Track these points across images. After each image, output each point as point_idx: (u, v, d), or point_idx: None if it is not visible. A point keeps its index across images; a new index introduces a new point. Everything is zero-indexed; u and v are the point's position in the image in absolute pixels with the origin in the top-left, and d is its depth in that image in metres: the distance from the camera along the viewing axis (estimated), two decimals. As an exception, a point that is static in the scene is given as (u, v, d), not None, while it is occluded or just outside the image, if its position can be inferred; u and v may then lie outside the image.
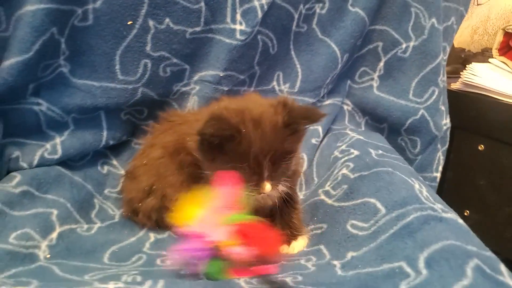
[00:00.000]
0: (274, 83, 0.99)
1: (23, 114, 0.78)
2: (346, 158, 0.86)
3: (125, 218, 0.80)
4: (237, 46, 0.85)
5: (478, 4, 1.60)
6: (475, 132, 1.16)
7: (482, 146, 1.14)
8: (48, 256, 0.64)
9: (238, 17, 0.85)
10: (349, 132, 1.00)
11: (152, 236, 0.75)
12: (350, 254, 0.62)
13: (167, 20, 0.80)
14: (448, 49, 1.09)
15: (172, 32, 0.82)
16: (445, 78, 1.07)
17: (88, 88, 0.80)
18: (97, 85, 0.81)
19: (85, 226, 0.75)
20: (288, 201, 0.72)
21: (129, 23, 0.78)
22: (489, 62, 1.15)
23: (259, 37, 0.88)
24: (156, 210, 0.75)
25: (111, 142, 0.88)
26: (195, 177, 0.70)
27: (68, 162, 0.84)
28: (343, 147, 0.93)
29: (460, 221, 0.63)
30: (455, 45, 1.52)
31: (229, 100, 0.70)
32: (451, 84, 1.20)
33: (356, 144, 0.92)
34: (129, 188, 0.79)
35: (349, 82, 1.09)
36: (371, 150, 0.86)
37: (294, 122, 0.63)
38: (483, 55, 1.44)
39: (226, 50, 0.86)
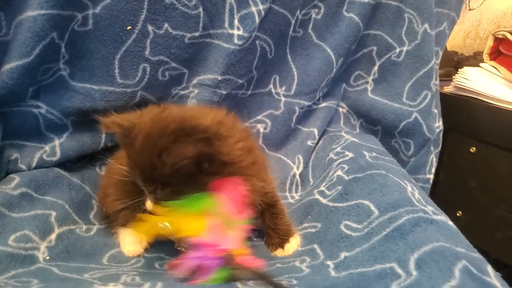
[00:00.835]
0: (271, 86, 1.00)
1: (23, 116, 0.78)
2: (341, 160, 0.88)
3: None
4: (235, 50, 0.86)
5: (470, 9, 1.62)
6: (467, 135, 1.17)
7: (474, 148, 1.15)
8: (48, 258, 0.65)
9: (236, 22, 0.85)
10: (344, 134, 1.02)
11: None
12: (343, 254, 0.64)
13: (166, 25, 0.81)
14: (440, 53, 1.10)
15: (171, 37, 0.82)
16: (437, 82, 1.09)
17: (87, 91, 0.81)
18: (96, 89, 0.81)
19: (84, 227, 0.75)
20: (269, 210, 0.71)
21: (128, 28, 0.78)
22: (480, 67, 1.16)
23: (257, 42, 0.89)
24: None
25: (109, 144, 0.88)
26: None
27: (67, 164, 0.85)
28: (338, 149, 0.94)
29: (450, 223, 0.65)
30: (448, 49, 1.53)
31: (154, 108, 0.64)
32: (444, 87, 1.21)
33: (350, 146, 0.93)
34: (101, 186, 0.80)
35: (344, 85, 1.10)
36: (365, 153, 0.88)
37: (169, 162, 0.53)
38: (475, 59, 1.45)
39: (224, 54, 0.87)
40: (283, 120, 1.02)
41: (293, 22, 0.94)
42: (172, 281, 0.56)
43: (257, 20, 0.86)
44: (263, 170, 0.70)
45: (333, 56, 0.99)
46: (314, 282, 0.59)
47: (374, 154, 0.89)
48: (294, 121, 1.03)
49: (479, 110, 1.13)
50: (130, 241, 0.72)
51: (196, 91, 0.90)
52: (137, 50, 0.81)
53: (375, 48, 1.05)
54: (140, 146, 0.55)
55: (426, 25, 1.01)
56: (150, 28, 0.80)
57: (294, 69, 1.01)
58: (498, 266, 0.56)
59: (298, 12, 0.93)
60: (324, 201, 0.79)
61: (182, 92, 0.91)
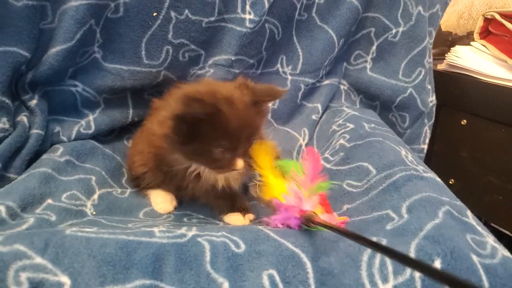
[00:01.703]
0: (278, 65, 1.08)
1: (63, 94, 0.88)
2: (342, 130, 0.96)
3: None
4: (246, 33, 0.94)
5: (463, -9, 1.67)
6: (459, 109, 1.20)
7: (465, 121, 1.19)
8: (94, 213, 0.75)
9: (248, 7, 0.93)
10: (345, 109, 1.09)
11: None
12: (345, 206, 0.73)
13: (186, 11, 0.89)
14: (433, 34, 1.16)
15: (191, 22, 0.90)
16: (431, 60, 1.14)
17: (117, 71, 0.90)
18: (125, 69, 0.90)
19: (119, 190, 0.85)
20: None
21: (154, 14, 0.87)
22: (471, 45, 1.21)
23: (266, 25, 0.96)
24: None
25: (136, 119, 0.98)
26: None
27: (99, 136, 0.94)
28: (340, 121, 1.02)
29: (438, 179, 0.73)
30: (443, 29, 1.58)
31: (189, 86, 0.72)
32: (438, 65, 1.25)
33: (351, 119, 1.00)
34: (129, 155, 0.88)
35: (345, 64, 1.16)
36: (365, 124, 0.96)
37: (260, 100, 0.68)
38: (468, 38, 1.45)
39: (237, 37, 0.94)
40: (289, 97, 1.09)
41: (298, 6, 1.01)
42: (204, 226, 0.65)
43: (267, 5, 0.93)
44: None
45: (335, 37, 1.06)
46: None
47: (373, 125, 0.97)
48: (299, 97, 1.11)
49: (469, 85, 1.17)
50: (161, 200, 0.82)
51: (211, 70, 0.98)
52: (161, 34, 0.90)
53: (373, 29, 1.11)
54: (242, 113, 0.65)
55: (420, 8, 1.07)
56: (173, 14, 0.89)
57: (299, 50, 1.08)
58: (488, 229, 0.62)
59: None
60: (328, 166, 0.87)
61: (199, 72, 0.99)
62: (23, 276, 0.44)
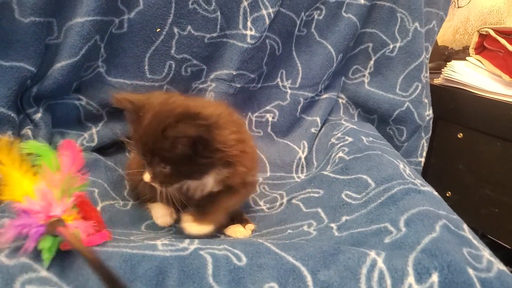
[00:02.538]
0: (278, 79, 1.09)
1: (67, 108, 0.89)
2: (341, 144, 0.97)
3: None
4: (248, 49, 0.96)
5: (458, 7, 1.70)
6: (455, 122, 1.22)
7: (461, 134, 1.20)
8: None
9: (249, 24, 0.95)
10: (344, 122, 1.09)
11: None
12: (344, 218, 0.74)
13: (189, 27, 0.91)
14: (430, 49, 1.18)
15: (193, 37, 0.92)
16: (427, 74, 1.16)
17: (120, 85, 0.91)
18: (128, 83, 0.91)
19: (121, 202, 0.85)
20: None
21: (157, 30, 0.89)
22: (466, 60, 1.23)
23: (267, 41, 0.98)
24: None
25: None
26: None
27: (101, 149, 0.95)
28: (339, 135, 1.02)
29: (435, 193, 0.74)
30: (439, 44, 1.61)
31: (168, 95, 0.71)
32: (434, 79, 1.27)
33: (350, 132, 1.01)
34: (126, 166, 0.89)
35: (343, 78, 1.18)
36: (363, 137, 0.97)
37: (171, 136, 0.59)
38: (464, 52, 1.52)
39: (239, 52, 0.96)
40: (289, 110, 1.10)
41: (298, 22, 1.03)
42: (206, 239, 0.66)
43: (267, 21, 0.95)
44: (250, 160, 0.73)
45: (333, 52, 1.08)
46: (321, 242, 0.69)
47: (371, 138, 0.98)
48: (299, 110, 1.12)
49: (465, 99, 1.19)
50: (161, 214, 0.82)
51: (213, 84, 1.00)
52: (164, 49, 0.91)
53: (371, 44, 1.13)
54: (147, 123, 0.61)
55: (417, 24, 1.09)
56: (176, 30, 0.91)
57: (299, 64, 1.09)
58: (483, 241, 0.63)
59: (302, 14, 1.02)
60: (325, 173, 0.88)
61: (201, 86, 1.01)
62: (29, 289, 0.45)
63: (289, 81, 1.10)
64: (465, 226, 0.66)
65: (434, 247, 0.57)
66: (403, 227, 0.64)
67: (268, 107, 1.10)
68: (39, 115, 0.84)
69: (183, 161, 0.62)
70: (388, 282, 0.53)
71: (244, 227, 0.77)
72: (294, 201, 0.87)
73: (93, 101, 0.91)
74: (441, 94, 1.24)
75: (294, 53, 1.09)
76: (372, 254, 0.57)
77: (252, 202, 0.89)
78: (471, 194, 1.20)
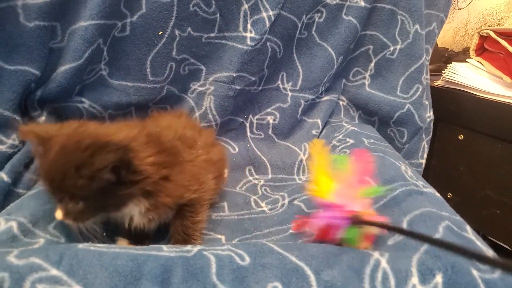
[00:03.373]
0: (279, 82, 1.09)
1: (70, 110, 0.89)
2: (343, 145, 0.97)
3: None
4: (248, 51, 0.96)
5: (458, 9, 1.71)
6: (456, 124, 1.23)
7: (462, 136, 1.21)
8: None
9: (249, 26, 0.95)
10: (345, 124, 1.10)
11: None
12: None
13: (189, 29, 0.92)
14: (430, 51, 1.18)
15: (192, 38, 0.93)
16: (428, 76, 1.16)
17: (123, 87, 0.91)
18: (130, 85, 0.92)
19: None
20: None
21: (159, 33, 0.89)
22: (467, 62, 1.23)
23: (268, 44, 0.99)
24: None
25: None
26: None
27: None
28: (340, 137, 1.03)
29: (437, 194, 0.74)
30: (439, 45, 1.62)
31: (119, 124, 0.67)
32: (434, 81, 1.28)
33: (351, 134, 1.01)
34: None
35: (344, 80, 1.18)
36: (364, 139, 0.97)
37: (90, 172, 0.53)
38: (464, 54, 1.52)
39: (239, 54, 0.96)
40: (290, 112, 1.11)
41: (299, 25, 1.03)
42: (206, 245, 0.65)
43: (268, 24, 0.96)
44: (178, 186, 0.65)
45: (334, 54, 1.08)
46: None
47: (372, 140, 0.98)
48: (300, 113, 1.12)
49: (466, 101, 1.20)
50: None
51: (212, 87, 1.00)
52: (166, 51, 0.92)
53: (371, 47, 1.13)
54: (52, 158, 0.55)
55: (417, 26, 1.09)
56: (177, 32, 0.91)
57: (299, 67, 1.10)
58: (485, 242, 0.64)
59: (303, 16, 1.02)
60: None
61: (200, 89, 1.01)
62: (39, 287, 0.46)
63: (290, 84, 1.11)
64: (468, 227, 0.65)
65: (437, 248, 0.57)
66: (406, 228, 0.64)
67: (269, 110, 1.11)
68: (43, 118, 0.85)
69: (98, 194, 0.56)
70: (392, 282, 0.53)
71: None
72: (295, 202, 0.87)
73: (96, 104, 0.91)
74: (441, 96, 1.24)
75: (294, 55, 1.09)
76: (376, 254, 0.57)
77: (254, 203, 0.89)
78: (472, 196, 1.20)
